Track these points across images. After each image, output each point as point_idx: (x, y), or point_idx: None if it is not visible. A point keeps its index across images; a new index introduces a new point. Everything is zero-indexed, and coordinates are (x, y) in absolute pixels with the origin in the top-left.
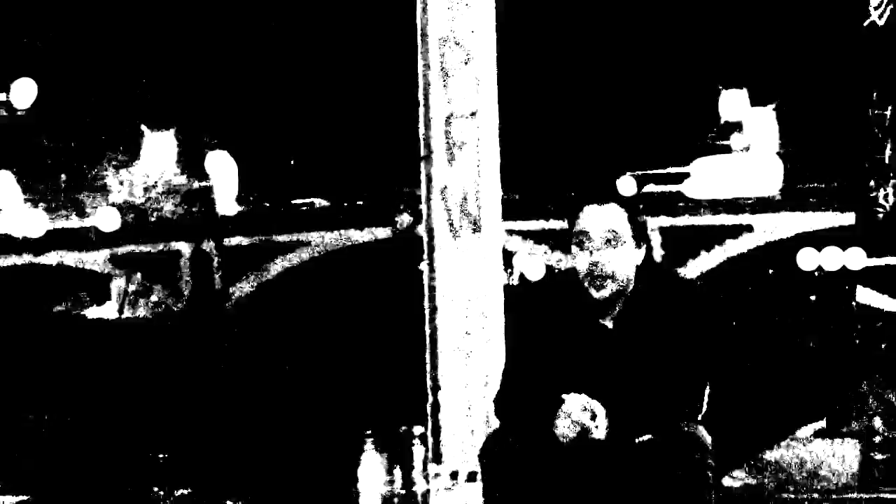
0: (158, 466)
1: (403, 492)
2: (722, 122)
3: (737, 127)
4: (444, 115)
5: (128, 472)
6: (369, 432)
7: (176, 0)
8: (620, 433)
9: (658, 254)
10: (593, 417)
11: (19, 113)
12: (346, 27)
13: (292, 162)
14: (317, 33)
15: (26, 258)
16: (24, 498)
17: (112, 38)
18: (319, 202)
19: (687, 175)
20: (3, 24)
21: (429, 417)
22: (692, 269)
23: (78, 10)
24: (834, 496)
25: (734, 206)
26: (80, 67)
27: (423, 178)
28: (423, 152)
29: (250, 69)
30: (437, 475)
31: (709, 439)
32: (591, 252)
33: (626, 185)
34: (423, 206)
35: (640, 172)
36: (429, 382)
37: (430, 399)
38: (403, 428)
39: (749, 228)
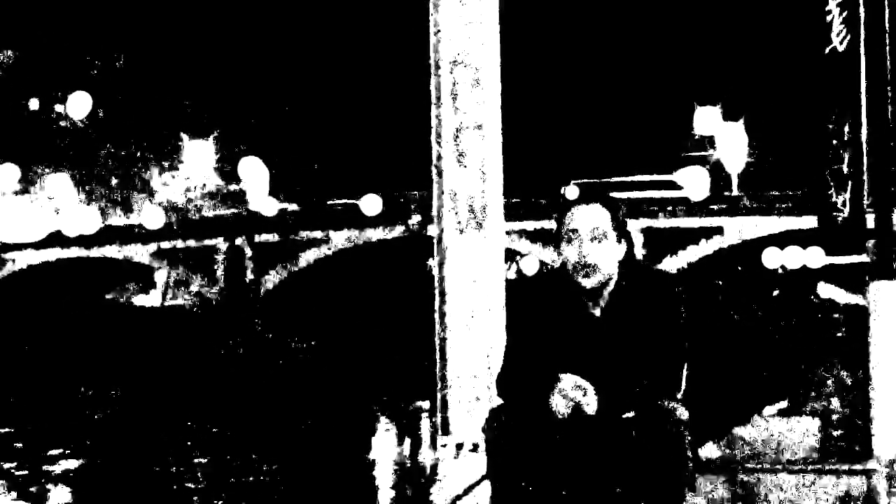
0: (196, 434)
1: (412, 460)
2: (696, 135)
3: (710, 140)
4: (454, 129)
5: (169, 438)
6: (382, 407)
7: (214, 26)
8: (608, 409)
9: (640, 252)
10: (584, 395)
11: (75, 122)
12: (369, 53)
13: (317, 167)
14: (342, 59)
15: (81, 252)
16: (83, 461)
17: (157, 56)
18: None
19: (666, 183)
20: (61, 44)
21: (437, 394)
22: (670, 266)
23: (127, 31)
24: (795, 467)
25: (707, 210)
26: (128, 82)
27: (434, 183)
28: (434, 161)
29: (282, 87)
30: (444, 446)
31: (686, 415)
32: (579, 246)
33: (571, 192)
34: (435, 208)
35: (626, 179)
36: (437, 363)
37: (439, 377)
38: (417, 404)
39: (719, 230)
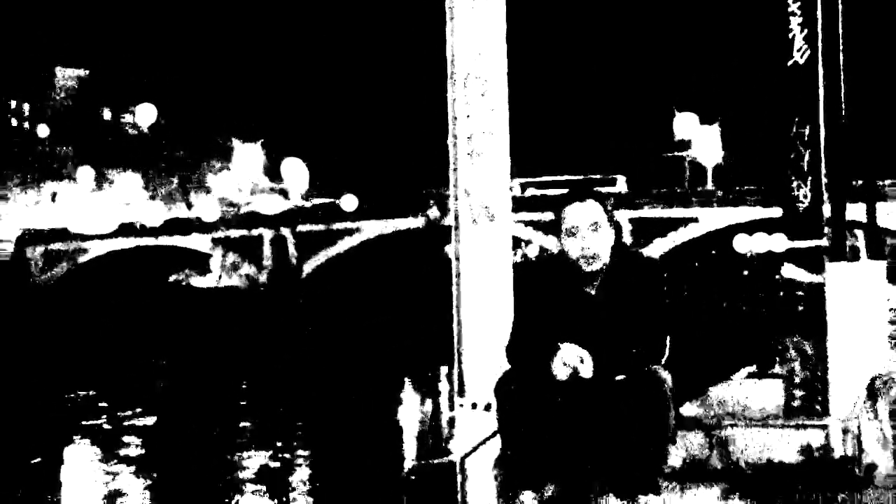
0: (246, 395)
1: (433, 417)
2: (677, 138)
3: (689, 142)
4: (467, 134)
5: (223, 398)
6: (408, 372)
7: (262, 45)
8: (602, 374)
9: (627, 238)
10: (582, 362)
11: (142, 129)
12: (395, 69)
13: (350, 170)
14: (373, 74)
15: (148, 241)
16: (153, 418)
17: (212, 72)
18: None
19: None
20: (129, 62)
21: (455, 361)
22: (653, 250)
23: (186, 50)
24: (763, 423)
25: (685, 202)
26: (187, 94)
27: (451, 181)
28: (451, 162)
29: (321, 98)
30: (461, 405)
31: (669, 378)
32: (582, 239)
33: (514, 188)
34: (451, 202)
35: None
36: (455, 334)
37: (456, 346)
38: (438, 370)
39: (696, 220)
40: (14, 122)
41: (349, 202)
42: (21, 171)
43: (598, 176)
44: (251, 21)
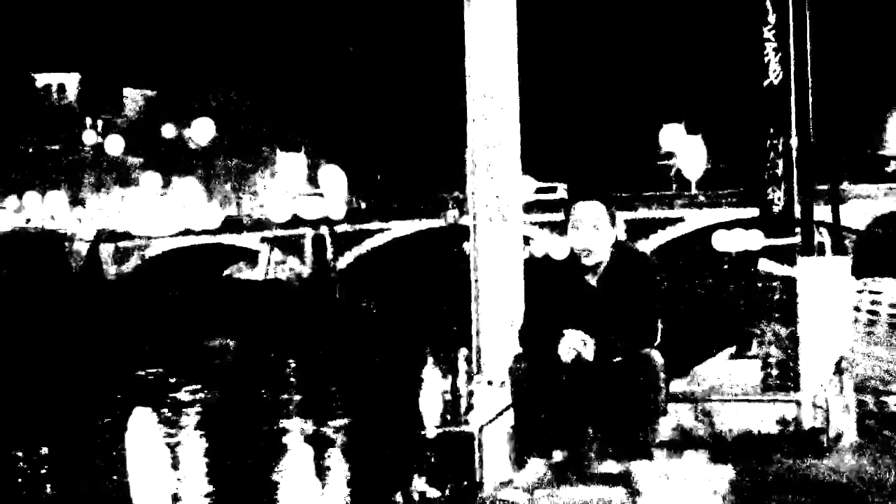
0: (292, 371)
1: (453, 392)
2: (664, 149)
3: (675, 151)
4: (484, 145)
5: (273, 374)
6: (431, 353)
7: (303, 67)
8: (603, 356)
9: (622, 235)
10: (584, 345)
11: (200, 142)
12: (419, 88)
13: (379, 176)
14: (400, 92)
15: (205, 239)
16: (209, 394)
17: (260, 90)
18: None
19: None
20: (188, 83)
21: (473, 343)
22: (646, 246)
23: (237, 71)
24: (742, 397)
25: (673, 204)
26: (238, 110)
27: (468, 186)
28: (469, 169)
29: (355, 113)
30: (478, 382)
31: (660, 360)
32: (584, 233)
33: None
34: (469, 205)
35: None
36: (473, 320)
37: (474, 331)
38: (458, 351)
39: (682, 220)
40: (90, 137)
41: (386, 204)
42: (95, 179)
43: (544, 185)
44: (296, 46)
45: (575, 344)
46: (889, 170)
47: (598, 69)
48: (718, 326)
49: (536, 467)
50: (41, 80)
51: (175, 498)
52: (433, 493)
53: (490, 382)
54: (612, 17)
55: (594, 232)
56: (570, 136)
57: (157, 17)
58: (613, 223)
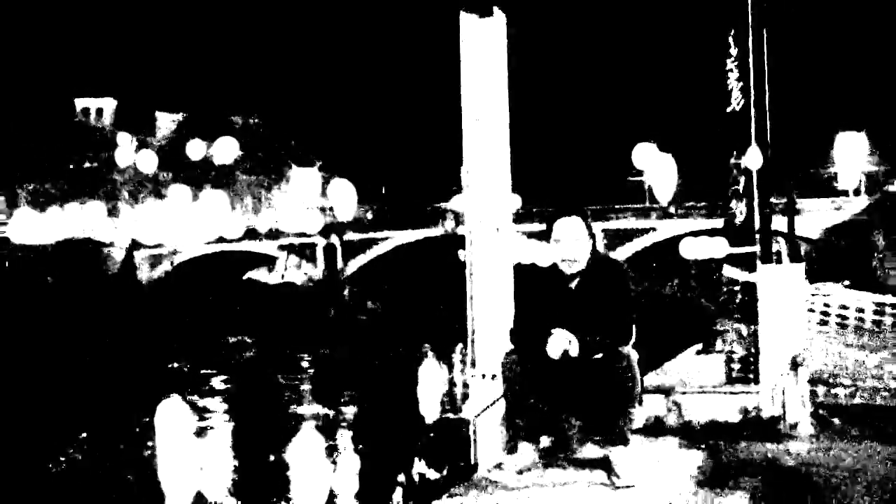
0: (305, 365)
1: (450, 384)
2: (637, 166)
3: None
4: (478, 162)
5: (288, 367)
6: (430, 349)
7: (317, 92)
8: (585, 353)
9: (601, 244)
10: (569, 344)
11: (224, 160)
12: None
13: (384, 189)
14: (403, 115)
15: (229, 246)
16: (231, 384)
17: (278, 112)
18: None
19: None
20: (215, 106)
21: (468, 340)
22: (621, 254)
23: (259, 96)
24: (708, 389)
25: (645, 216)
26: (259, 130)
27: (465, 198)
28: (465, 184)
29: (363, 134)
30: (473, 375)
31: (635, 356)
32: (565, 246)
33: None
34: (465, 216)
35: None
36: (469, 319)
37: (469, 329)
38: (458, 347)
39: (654, 229)
40: (125, 155)
41: (383, 215)
42: (130, 192)
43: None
44: (311, 74)
45: (562, 343)
46: (837, 186)
47: (578, 95)
48: (687, 326)
49: (525, 452)
50: (81, 104)
51: (203, 471)
52: (432, 474)
53: (484, 376)
54: (590, 47)
55: (574, 244)
56: (553, 155)
57: (185, 47)
58: (591, 234)
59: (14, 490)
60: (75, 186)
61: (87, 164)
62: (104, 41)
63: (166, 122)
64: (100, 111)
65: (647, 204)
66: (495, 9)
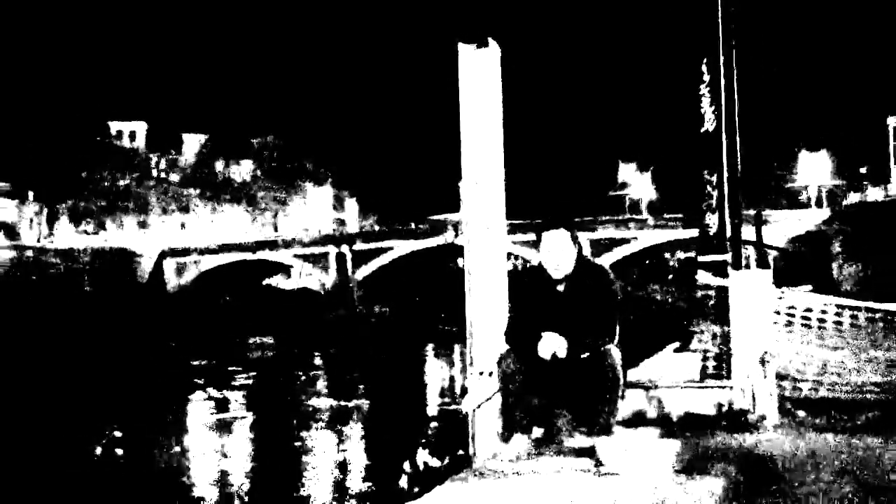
0: (319, 361)
1: (450, 380)
2: (620, 180)
3: (628, 183)
4: (475, 180)
5: (303, 364)
6: (431, 349)
7: (331, 116)
8: (573, 352)
9: (587, 252)
10: (559, 345)
11: (243, 176)
12: (422, 134)
13: (391, 203)
14: (409, 138)
15: (249, 255)
16: (251, 380)
17: (295, 134)
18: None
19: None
20: (236, 128)
21: (467, 340)
22: (605, 261)
23: (277, 119)
24: (685, 385)
25: (626, 226)
26: (277, 151)
27: (463, 212)
28: (464, 199)
29: (373, 158)
30: (471, 373)
31: (619, 355)
32: (553, 255)
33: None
34: (463, 227)
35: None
36: (468, 321)
37: (468, 330)
38: (457, 346)
39: (635, 238)
40: (155, 172)
41: (395, 226)
42: (160, 206)
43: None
44: (323, 98)
45: (552, 344)
46: (801, 199)
47: (565, 117)
48: (665, 326)
49: (519, 442)
50: (115, 127)
51: (228, 457)
52: (434, 462)
53: (481, 373)
54: (576, 73)
55: (560, 252)
56: (543, 172)
57: (209, 75)
58: (576, 243)
59: (54, 476)
60: (110, 202)
61: (120, 182)
62: (137, 70)
63: (192, 143)
64: (132, 133)
65: (628, 215)
66: (490, 40)
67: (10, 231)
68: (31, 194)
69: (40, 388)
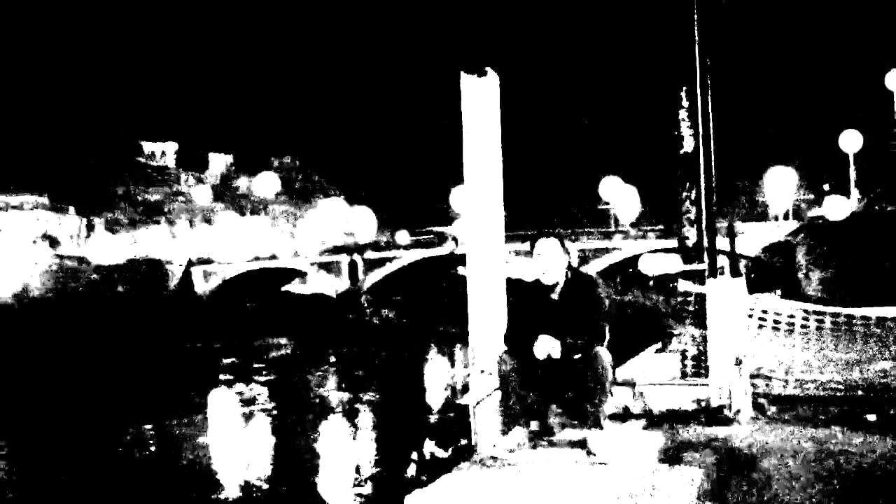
0: (332, 360)
1: (452, 378)
2: (604, 195)
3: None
4: (475, 195)
5: (318, 363)
6: (435, 348)
7: (345, 136)
8: (566, 353)
9: (575, 261)
10: (553, 347)
11: (265, 193)
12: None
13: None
14: (416, 158)
15: (269, 263)
16: (271, 376)
17: (311, 153)
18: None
19: (589, 224)
20: (258, 148)
21: (469, 342)
22: (592, 268)
23: (295, 140)
24: (666, 382)
25: (608, 238)
26: (296, 168)
27: (466, 223)
28: (466, 212)
29: (385, 174)
30: (473, 371)
31: (608, 355)
32: (544, 262)
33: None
34: (464, 238)
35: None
36: (470, 323)
37: (470, 332)
38: (458, 346)
39: (619, 247)
40: (184, 188)
41: (399, 237)
42: (188, 219)
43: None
44: (337, 120)
45: (547, 345)
46: (770, 213)
47: (556, 137)
48: (648, 329)
49: (517, 434)
50: (148, 147)
51: (251, 441)
52: (440, 452)
53: (482, 371)
54: (566, 97)
55: (551, 259)
56: (536, 186)
57: (234, 99)
58: (566, 252)
59: (90, 463)
60: (143, 215)
61: (152, 197)
62: (169, 96)
63: (218, 162)
64: (163, 153)
65: (613, 227)
66: (489, 70)
67: (53, 241)
68: (71, 208)
69: (81, 383)
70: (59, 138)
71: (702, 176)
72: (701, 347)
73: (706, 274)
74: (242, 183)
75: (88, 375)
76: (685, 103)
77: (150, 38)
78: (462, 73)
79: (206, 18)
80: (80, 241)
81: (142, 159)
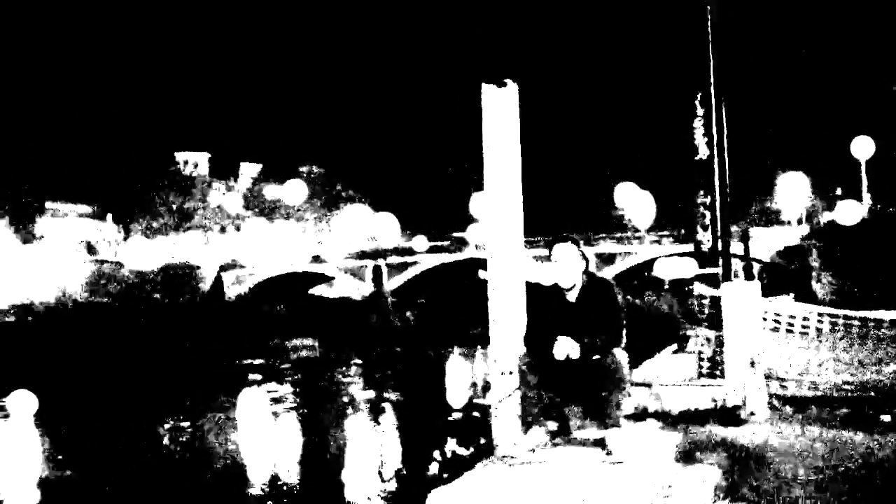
0: (357, 361)
1: (473, 378)
2: (619, 200)
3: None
4: (496, 202)
5: (342, 363)
6: (458, 349)
7: (366, 146)
8: (585, 355)
9: (592, 265)
10: (572, 348)
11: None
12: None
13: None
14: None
15: (297, 268)
16: (295, 377)
17: (335, 162)
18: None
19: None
20: (286, 157)
21: (490, 343)
22: (609, 272)
23: (317, 149)
24: (683, 383)
25: (624, 242)
26: (326, 176)
27: (487, 229)
28: (487, 217)
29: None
30: (494, 371)
31: (626, 357)
32: (562, 266)
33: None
34: (487, 243)
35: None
36: (490, 326)
37: (491, 334)
38: (480, 348)
39: (635, 252)
40: (216, 197)
41: (420, 243)
42: (219, 226)
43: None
44: (361, 130)
45: (565, 347)
46: (783, 217)
47: (573, 145)
48: (664, 332)
49: (536, 433)
50: (181, 157)
51: (280, 438)
52: (462, 451)
53: (503, 372)
54: (584, 106)
55: (569, 263)
56: (554, 192)
57: (263, 111)
58: (583, 257)
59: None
60: (176, 221)
61: (185, 204)
62: (202, 109)
63: (248, 171)
64: (196, 163)
65: (630, 232)
66: (509, 81)
67: (91, 247)
68: (109, 216)
69: (119, 381)
70: (99, 150)
71: (716, 182)
72: (716, 349)
73: (721, 277)
74: (271, 191)
75: (125, 375)
76: (699, 111)
77: (185, 55)
78: (483, 84)
79: (238, 37)
80: (117, 247)
81: (176, 169)
